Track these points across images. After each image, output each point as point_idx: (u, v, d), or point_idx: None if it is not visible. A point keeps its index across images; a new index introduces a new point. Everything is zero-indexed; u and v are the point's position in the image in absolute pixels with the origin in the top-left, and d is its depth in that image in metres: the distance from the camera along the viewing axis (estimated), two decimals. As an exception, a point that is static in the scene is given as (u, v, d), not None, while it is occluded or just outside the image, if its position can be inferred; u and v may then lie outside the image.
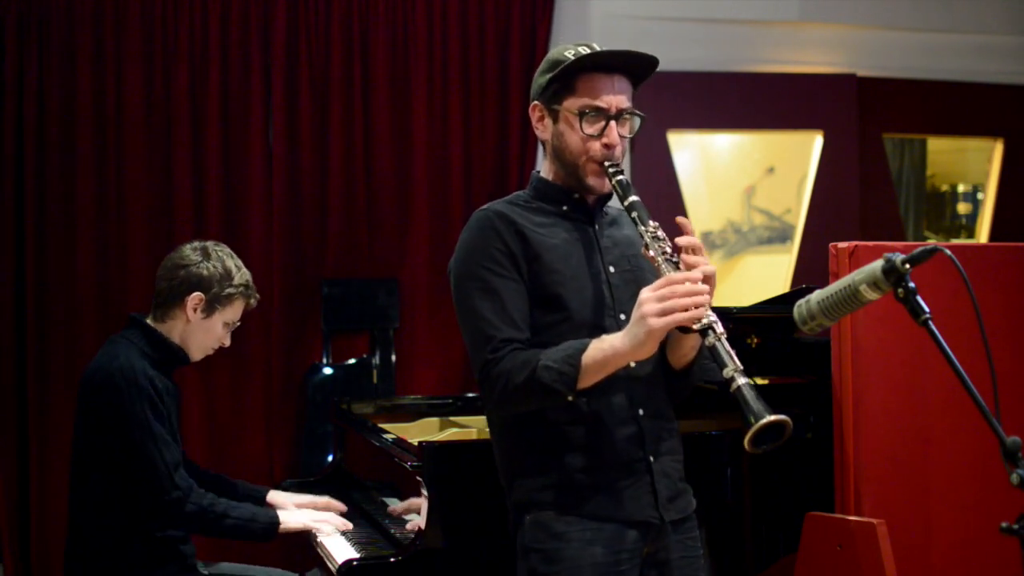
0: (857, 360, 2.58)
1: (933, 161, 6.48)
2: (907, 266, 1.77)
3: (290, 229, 4.77)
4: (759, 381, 3.52)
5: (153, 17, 4.60)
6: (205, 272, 2.84)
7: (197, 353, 2.93)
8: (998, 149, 5.92)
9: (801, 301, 1.96)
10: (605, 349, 2.06)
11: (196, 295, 2.84)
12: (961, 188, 6.57)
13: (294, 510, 2.97)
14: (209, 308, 2.86)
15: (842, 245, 2.57)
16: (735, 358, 1.97)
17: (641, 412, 2.21)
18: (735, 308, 3.12)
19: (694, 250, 2.09)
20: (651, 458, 2.20)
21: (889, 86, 5.61)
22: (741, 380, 1.95)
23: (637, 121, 2.27)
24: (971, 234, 6.34)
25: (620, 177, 2.20)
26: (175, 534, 2.85)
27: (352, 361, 4.81)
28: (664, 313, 1.99)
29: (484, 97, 4.96)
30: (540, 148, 2.36)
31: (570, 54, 2.22)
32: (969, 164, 6.58)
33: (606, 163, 2.21)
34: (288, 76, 4.75)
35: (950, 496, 2.64)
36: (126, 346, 2.81)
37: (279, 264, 4.74)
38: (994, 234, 5.89)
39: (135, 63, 4.58)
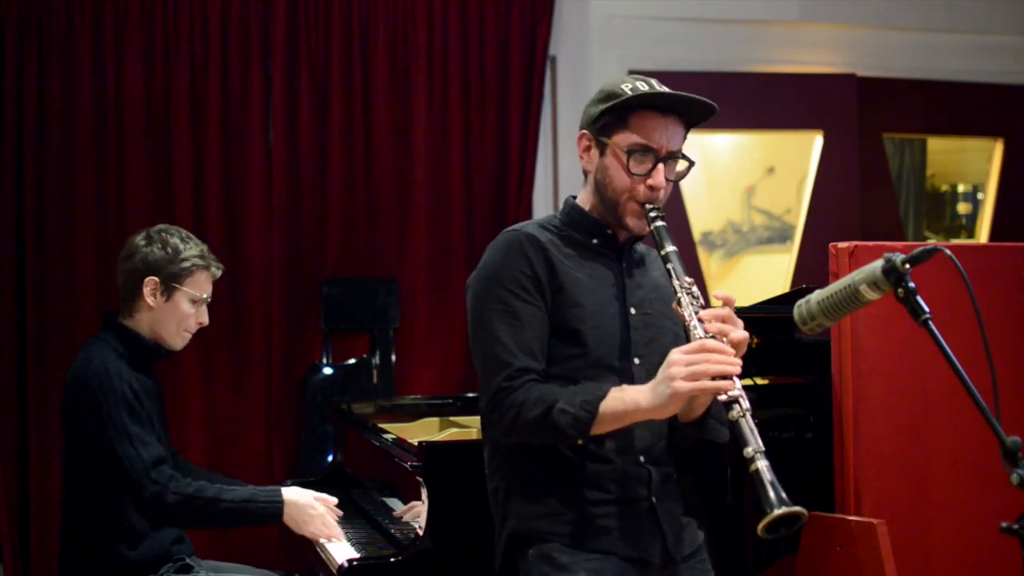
0: (857, 360, 2.58)
1: (933, 161, 6.47)
2: (907, 266, 1.77)
3: (290, 229, 4.77)
4: (759, 381, 3.52)
5: (153, 17, 4.60)
6: (151, 256, 2.82)
7: (175, 339, 2.89)
8: (998, 149, 5.92)
9: (801, 301, 1.96)
10: (626, 402, 2.03)
11: (150, 280, 2.82)
12: (961, 188, 6.57)
13: (304, 490, 2.90)
14: (167, 289, 2.83)
15: (842, 245, 2.57)
16: (757, 437, 1.91)
17: (643, 459, 2.19)
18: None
19: (725, 319, 2.04)
20: (654, 499, 2.19)
21: (889, 86, 5.61)
22: (761, 463, 1.89)
23: (685, 165, 2.24)
24: (971, 234, 6.34)
25: (660, 224, 2.16)
26: (171, 533, 2.84)
27: (352, 361, 4.81)
28: (693, 378, 1.95)
29: (484, 97, 4.95)
30: (582, 176, 2.31)
31: (627, 88, 2.18)
32: (969, 164, 6.58)
33: (647, 205, 2.17)
34: (288, 76, 4.75)
35: (950, 496, 2.64)
36: (100, 348, 2.80)
37: (279, 264, 4.74)
38: (994, 234, 5.88)
39: (135, 63, 4.58)
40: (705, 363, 1.95)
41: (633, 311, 2.22)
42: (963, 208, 6.55)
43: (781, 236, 5.75)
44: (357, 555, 2.69)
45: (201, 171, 4.67)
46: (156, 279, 2.82)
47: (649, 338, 2.19)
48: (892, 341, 2.58)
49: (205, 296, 2.91)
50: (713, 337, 2.00)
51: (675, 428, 2.24)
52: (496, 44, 4.94)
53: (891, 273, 1.78)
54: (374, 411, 3.61)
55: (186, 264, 2.84)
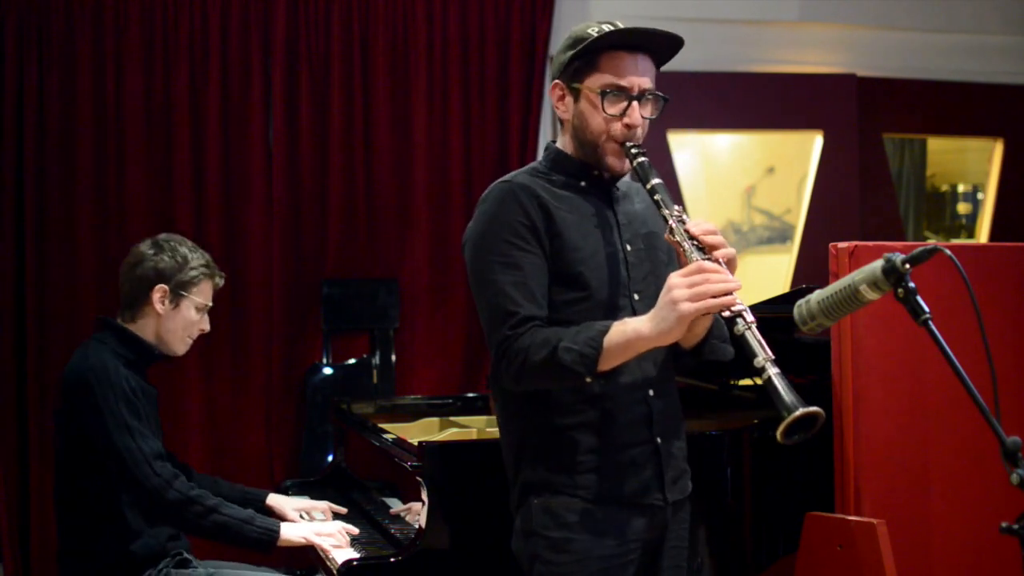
0: (857, 360, 2.58)
1: (933, 161, 6.48)
2: (907, 266, 1.77)
3: (290, 229, 4.77)
4: (759, 381, 3.52)
5: (153, 17, 4.60)
6: (161, 264, 2.85)
7: (179, 345, 2.92)
8: (998, 149, 5.92)
9: (801, 301, 1.96)
10: (628, 333, 2.03)
11: (159, 287, 2.85)
12: (961, 188, 6.57)
13: (298, 523, 2.92)
14: (175, 297, 2.87)
15: (842, 245, 2.57)
16: (766, 347, 1.93)
17: (651, 392, 2.20)
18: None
19: (711, 235, 2.07)
20: (659, 439, 2.20)
21: (889, 86, 5.61)
22: (772, 370, 1.91)
23: (660, 103, 2.23)
24: (971, 234, 6.34)
25: (642, 159, 2.17)
26: (167, 530, 2.83)
27: (352, 361, 4.81)
28: (696, 299, 1.96)
29: (484, 97, 4.95)
30: (558, 125, 2.32)
31: (593, 31, 2.18)
32: (969, 164, 6.58)
33: (627, 144, 2.18)
34: (288, 76, 4.75)
35: (950, 496, 2.64)
36: (97, 347, 2.81)
37: (279, 264, 4.74)
38: (994, 234, 5.88)
39: (135, 63, 4.58)
40: (706, 283, 1.97)
41: (629, 247, 2.24)
42: (963, 208, 6.55)
43: (781, 236, 5.75)
44: (357, 555, 2.69)
45: (201, 171, 4.67)
46: (165, 287, 2.85)
47: (646, 272, 2.21)
48: (892, 341, 2.58)
49: (208, 305, 2.95)
50: (708, 257, 2.02)
51: (679, 355, 2.26)
52: (496, 44, 4.94)
53: (891, 273, 1.78)
54: (374, 411, 3.61)
55: (194, 273, 2.89)
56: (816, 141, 5.49)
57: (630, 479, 2.16)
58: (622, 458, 2.16)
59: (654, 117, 2.24)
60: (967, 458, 2.63)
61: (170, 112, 4.63)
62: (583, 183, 2.25)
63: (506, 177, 2.26)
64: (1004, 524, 1.62)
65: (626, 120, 2.17)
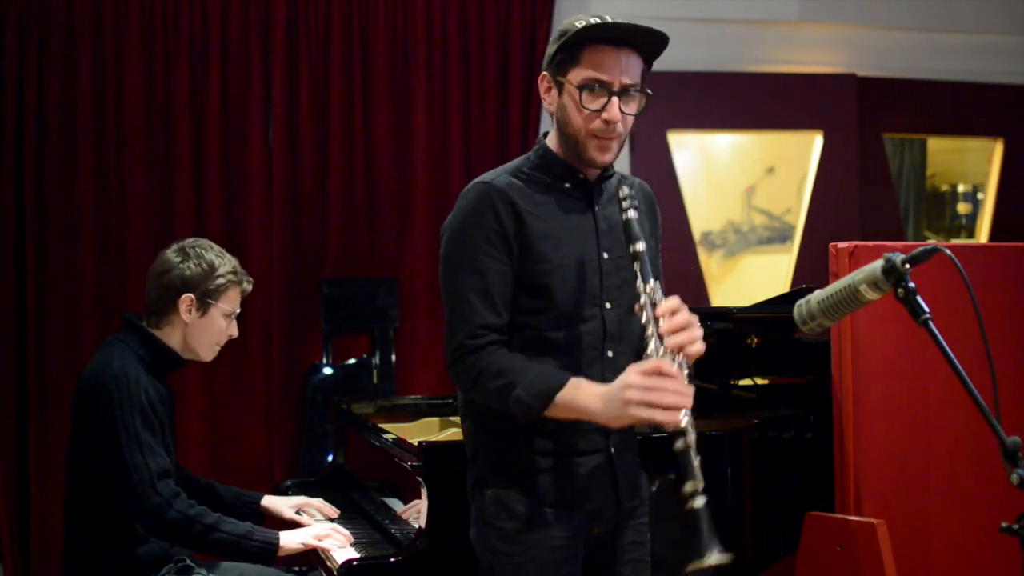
0: (857, 360, 2.58)
1: (933, 161, 6.48)
2: (907, 266, 1.77)
3: (290, 229, 4.77)
4: (759, 381, 3.52)
5: (153, 17, 4.60)
6: (188, 272, 2.82)
7: (206, 352, 2.91)
8: (998, 149, 5.92)
9: (801, 301, 1.96)
10: (579, 402, 2.05)
11: (186, 296, 2.82)
12: (961, 188, 6.56)
13: (296, 530, 2.90)
14: (203, 305, 2.84)
15: (842, 245, 2.57)
16: (699, 474, 1.91)
17: None
18: (735, 308, 3.12)
19: (677, 333, 2.01)
20: (613, 449, 2.20)
21: (889, 86, 5.61)
22: (699, 502, 1.90)
23: (644, 100, 2.20)
24: (971, 234, 6.34)
25: (631, 213, 2.13)
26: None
27: (352, 361, 4.81)
28: (646, 405, 1.96)
29: (484, 97, 4.96)
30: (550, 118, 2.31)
31: (579, 23, 2.16)
32: (969, 164, 6.57)
33: (622, 193, 2.15)
34: (288, 76, 4.75)
35: (950, 496, 2.64)
36: (121, 351, 2.79)
37: (279, 264, 4.74)
38: (994, 234, 5.88)
39: (135, 63, 4.58)
40: (660, 392, 1.95)
41: (606, 256, 2.22)
42: (963, 208, 6.55)
43: (781, 236, 5.75)
44: (357, 555, 2.69)
45: (201, 171, 4.67)
46: (192, 296, 2.83)
47: (621, 281, 2.19)
48: (892, 341, 2.58)
49: (236, 311, 2.92)
50: (672, 355, 1.99)
51: None
52: (496, 44, 4.94)
53: (891, 273, 1.78)
54: (374, 411, 3.61)
55: (221, 281, 2.85)
56: (816, 141, 5.49)
57: (582, 486, 2.18)
58: (575, 465, 2.18)
59: (637, 113, 2.20)
60: (967, 458, 2.63)
61: (170, 112, 4.63)
62: (567, 185, 2.24)
63: (486, 176, 2.25)
64: (1004, 524, 1.62)
65: (605, 115, 2.15)
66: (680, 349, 2.00)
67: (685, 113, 5.31)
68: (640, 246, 2.10)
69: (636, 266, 2.09)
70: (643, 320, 2.04)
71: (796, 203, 5.64)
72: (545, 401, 2.05)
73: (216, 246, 2.93)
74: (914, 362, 2.58)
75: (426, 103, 4.89)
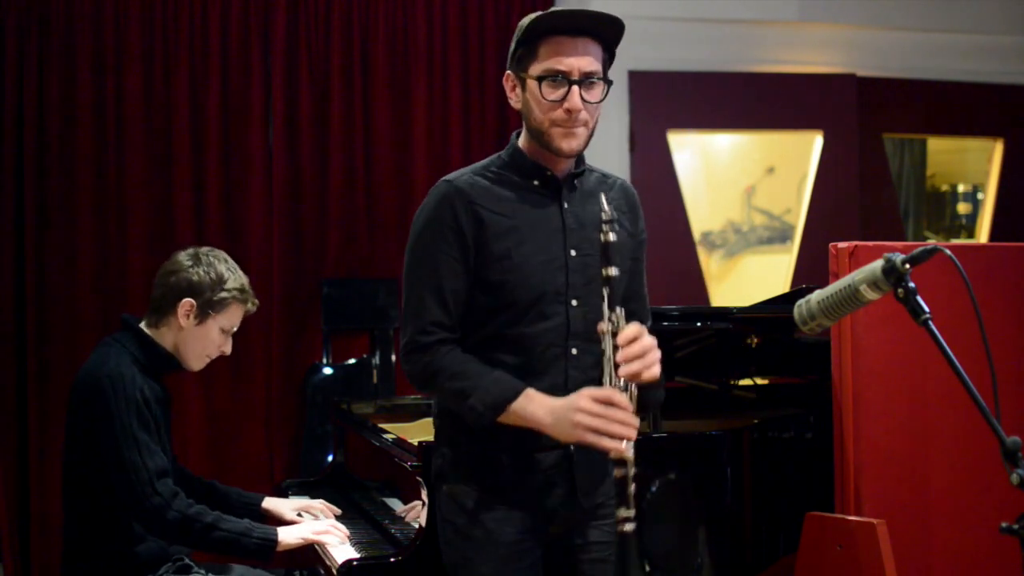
0: (857, 360, 2.58)
1: (933, 161, 6.47)
2: (907, 266, 1.77)
3: (290, 229, 4.77)
4: (759, 381, 3.52)
5: (153, 17, 4.60)
6: (195, 277, 2.80)
7: (195, 362, 2.88)
8: (998, 149, 5.92)
9: (801, 301, 1.96)
10: (530, 413, 2.10)
11: (187, 301, 2.80)
12: (961, 188, 6.56)
13: (293, 526, 2.89)
14: (202, 314, 2.82)
15: (842, 245, 2.57)
16: (632, 503, 2.00)
17: None
18: (735, 308, 3.12)
19: (633, 362, 2.04)
20: (572, 447, 2.19)
21: (889, 86, 5.61)
22: (629, 527, 2.00)
23: (606, 87, 2.20)
24: (971, 234, 6.33)
25: (611, 236, 2.10)
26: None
27: (352, 361, 4.81)
28: (593, 431, 2.02)
29: (484, 97, 4.96)
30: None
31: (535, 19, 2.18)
32: (969, 164, 6.57)
33: (604, 215, 2.11)
34: (288, 76, 4.75)
35: (950, 496, 2.64)
36: (117, 351, 2.78)
37: (279, 264, 4.74)
38: (994, 234, 5.88)
39: (135, 63, 4.58)
40: (608, 422, 2.01)
41: (573, 253, 2.21)
42: (963, 208, 6.55)
43: (781, 236, 5.75)
44: (357, 555, 2.69)
45: (201, 171, 4.67)
46: (193, 302, 2.80)
47: (588, 279, 2.19)
48: (892, 341, 2.58)
49: (234, 328, 2.90)
50: (626, 384, 2.05)
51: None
52: (496, 44, 4.94)
53: (891, 273, 1.78)
54: (374, 411, 3.61)
55: (226, 295, 2.83)
56: (816, 141, 5.49)
57: (537, 483, 2.20)
58: (534, 462, 2.20)
59: (599, 101, 2.20)
60: (967, 458, 2.63)
61: (170, 112, 4.63)
62: (536, 183, 2.24)
63: (451, 175, 2.27)
64: (1004, 524, 1.62)
65: (566, 105, 2.15)
66: (634, 378, 2.05)
67: (685, 113, 5.31)
68: (613, 271, 2.10)
69: (605, 291, 2.10)
70: (602, 346, 2.07)
71: (796, 203, 5.64)
72: (498, 411, 2.11)
73: (231, 260, 2.90)
74: (914, 362, 2.58)
75: (426, 103, 4.89)
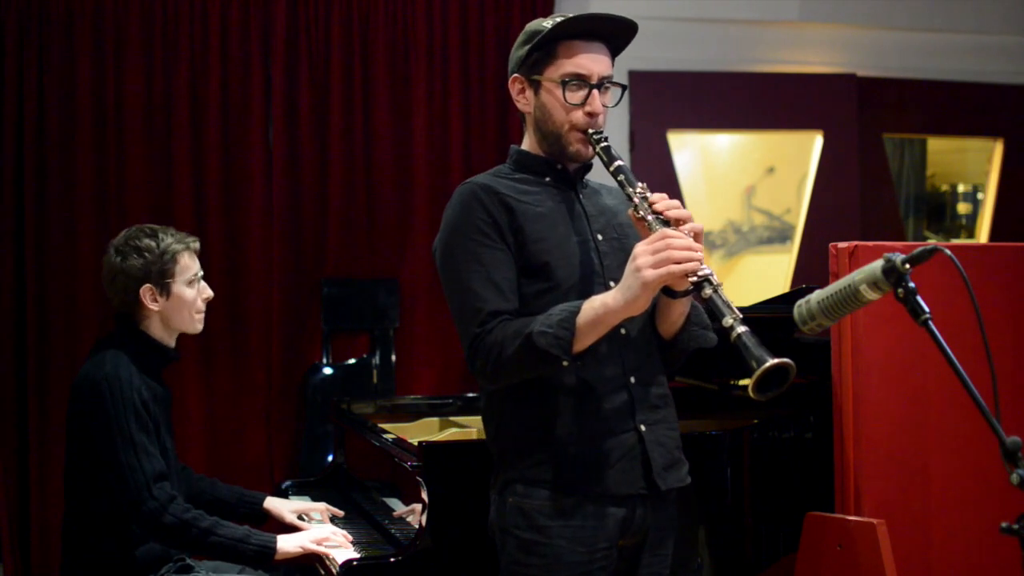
0: (857, 360, 2.58)
1: (933, 161, 6.47)
2: (907, 266, 1.77)
3: (290, 229, 4.77)
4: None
5: (153, 17, 4.60)
6: (132, 269, 2.79)
7: (191, 325, 2.88)
8: (998, 149, 5.92)
9: (801, 301, 1.96)
10: (597, 308, 2.04)
11: (144, 288, 2.80)
12: (961, 188, 6.56)
13: (294, 534, 2.85)
14: (163, 288, 2.81)
15: (842, 245, 2.57)
16: (733, 308, 1.97)
17: (633, 380, 2.20)
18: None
19: (676, 209, 2.08)
20: (642, 427, 2.19)
21: (889, 86, 5.61)
22: (740, 328, 1.95)
23: (618, 92, 2.27)
24: (971, 234, 6.33)
25: (604, 144, 2.19)
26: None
27: (352, 361, 4.81)
28: (659, 265, 1.98)
29: (484, 97, 4.96)
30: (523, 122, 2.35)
31: (548, 24, 2.21)
32: (969, 164, 6.57)
33: (590, 131, 2.20)
34: (288, 76, 4.75)
35: (950, 496, 2.64)
36: (114, 353, 2.77)
37: (279, 264, 4.74)
38: (994, 234, 5.88)
39: (135, 63, 4.58)
40: (668, 249, 1.98)
41: (600, 237, 2.25)
42: (963, 208, 6.55)
43: (781, 236, 5.75)
44: (357, 555, 2.69)
45: (201, 171, 4.67)
46: (149, 285, 2.80)
47: (620, 261, 2.18)
48: (892, 341, 2.58)
49: (198, 273, 2.89)
50: (670, 226, 2.04)
51: (663, 348, 2.27)
52: (496, 44, 4.94)
53: (891, 273, 1.78)
54: (374, 411, 3.61)
55: (167, 257, 2.81)
56: (816, 141, 5.49)
57: (611, 469, 2.15)
58: (602, 448, 2.15)
59: (614, 105, 2.26)
60: (967, 458, 2.62)
61: (170, 112, 4.63)
62: (548, 179, 2.27)
63: (469, 180, 2.29)
64: (1004, 524, 1.62)
65: (587, 108, 2.19)
66: (680, 222, 2.05)
67: (685, 113, 5.31)
68: (619, 162, 2.15)
69: (620, 178, 2.14)
70: (640, 213, 2.07)
71: (796, 203, 5.64)
72: (568, 324, 2.03)
73: (147, 227, 2.87)
74: (914, 362, 2.58)
75: (426, 103, 4.89)
